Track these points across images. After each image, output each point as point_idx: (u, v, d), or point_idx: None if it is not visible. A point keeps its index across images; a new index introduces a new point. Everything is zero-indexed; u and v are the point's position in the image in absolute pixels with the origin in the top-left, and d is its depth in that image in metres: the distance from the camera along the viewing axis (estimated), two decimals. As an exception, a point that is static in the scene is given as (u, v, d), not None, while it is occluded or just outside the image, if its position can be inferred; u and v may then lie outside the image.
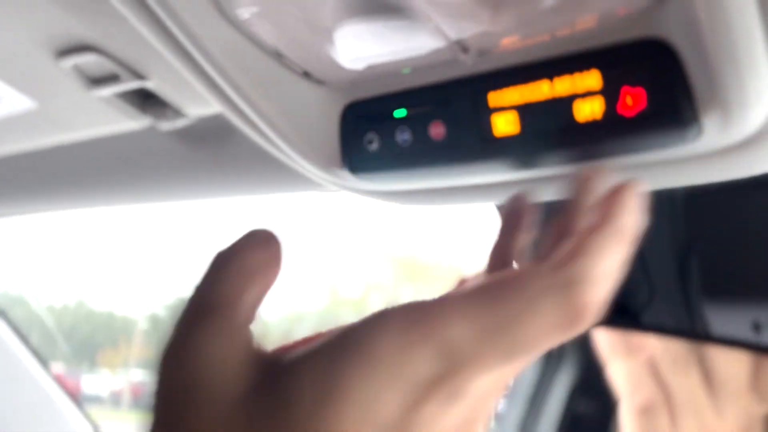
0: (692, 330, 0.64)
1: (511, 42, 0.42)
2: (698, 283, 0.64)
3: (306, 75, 0.48)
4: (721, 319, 0.63)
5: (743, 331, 0.61)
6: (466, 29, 0.41)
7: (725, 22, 0.32)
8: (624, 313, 0.70)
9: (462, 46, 0.42)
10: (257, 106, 0.47)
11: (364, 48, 0.45)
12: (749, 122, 0.37)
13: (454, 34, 0.41)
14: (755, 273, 0.62)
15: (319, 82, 0.49)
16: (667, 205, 0.62)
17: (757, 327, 0.61)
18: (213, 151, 0.74)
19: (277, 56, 0.47)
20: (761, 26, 0.32)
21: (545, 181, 0.49)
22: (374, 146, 0.49)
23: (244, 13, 0.43)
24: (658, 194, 0.65)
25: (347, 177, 0.51)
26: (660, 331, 0.65)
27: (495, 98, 0.43)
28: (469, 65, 0.44)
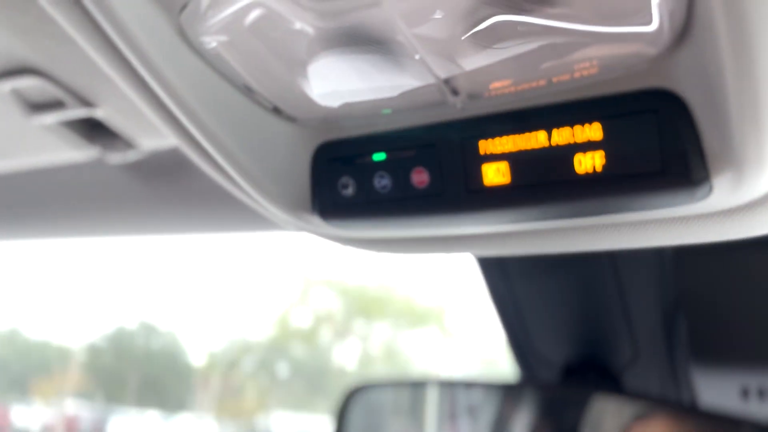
0: (677, 396, 0.61)
1: (505, 86, 0.39)
2: (685, 345, 0.62)
3: (276, 111, 0.44)
4: (707, 383, 0.61)
5: (731, 397, 0.59)
6: (457, 69, 0.37)
7: (749, 76, 0.29)
8: (604, 374, 0.67)
9: (452, 87, 0.39)
10: (219, 142, 0.42)
11: (341, 84, 0.41)
12: (763, 183, 0.34)
13: (443, 73, 0.38)
14: (745, 336, 0.60)
15: (290, 118, 0.44)
16: (656, 261, 0.60)
17: (745, 393, 0.59)
18: (166, 187, 0.68)
19: (245, 89, 0.43)
20: None
21: (535, 235, 0.45)
22: (349, 191, 0.45)
23: (210, 41, 0.38)
24: (646, 250, 0.63)
25: (317, 223, 0.47)
26: (642, 398, 0.62)
27: (486, 146, 0.40)
28: (458, 108, 0.40)
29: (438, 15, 0.33)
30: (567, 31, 0.33)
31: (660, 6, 0.30)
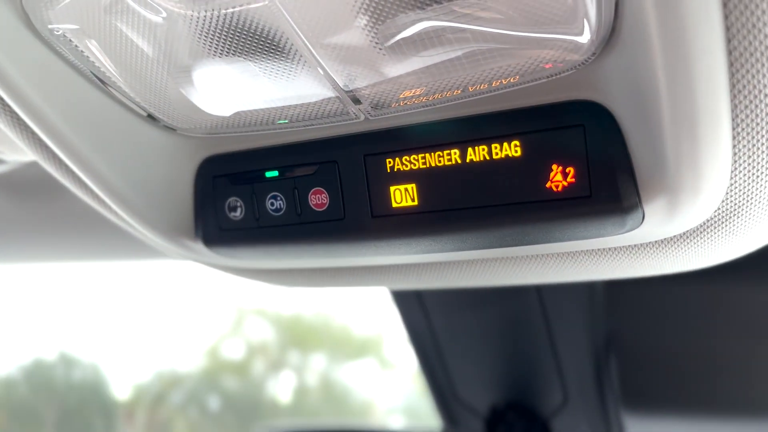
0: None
1: (416, 95, 0.33)
2: (616, 388, 0.58)
3: (151, 118, 0.37)
4: (639, 428, 0.57)
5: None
6: (359, 76, 0.32)
7: (684, 85, 0.25)
8: (532, 420, 0.62)
9: (352, 96, 0.33)
10: (77, 153, 0.35)
11: (229, 89, 0.35)
12: (701, 212, 0.30)
13: (342, 81, 0.32)
14: (679, 380, 0.56)
15: (169, 128, 0.38)
16: (586, 297, 0.56)
17: (679, 440, 0.56)
18: (38, 206, 0.60)
19: (109, 91, 0.36)
20: (728, 97, 0.25)
21: (452, 267, 0.40)
22: (237, 214, 0.38)
23: (59, 29, 0.32)
24: (575, 284, 0.59)
25: (201, 251, 0.40)
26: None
27: (394, 164, 0.34)
28: (361, 121, 0.35)
29: (330, 8, 0.28)
30: (484, 35, 0.28)
31: (586, 7, 0.26)
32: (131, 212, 0.39)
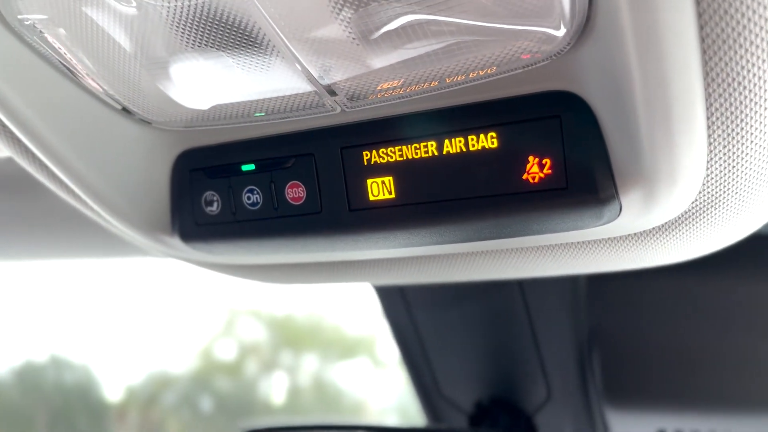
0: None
1: (391, 87, 0.33)
2: (599, 383, 0.58)
3: (126, 111, 0.37)
4: (623, 424, 0.57)
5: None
6: (334, 68, 0.31)
7: (658, 75, 0.24)
8: (517, 416, 0.62)
9: (328, 88, 0.33)
10: (48, 146, 0.35)
11: (205, 83, 0.34)
12: (678, 203, 0.30)
13: (317, 72, 0.32)
14: (661, 375, 0.56)
15: (144, 121, 0.37)
16: (569, 292, 0.56)
17: (663, 435, 0.55)
18: (17, 203, 0.59)
19: (81, 83, 0.35)
20: (702, 85, 0.25)
21: (432, 261, 0.40)
22: (214, 209, 0.38)
23: (29, 19, 0.31)
24: (557, 279, 0.59)
25: (178, 246, 0.40)
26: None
27: (371, 156, 0.34)
28: (337, 113, 0.34)
29: None
30: (459, 27, 0.28)
31: None
32: (106, 207, 0.38)
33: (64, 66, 0.34)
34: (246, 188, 0.37)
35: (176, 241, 0.39)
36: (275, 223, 0.36)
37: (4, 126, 0.36)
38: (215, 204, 0.38)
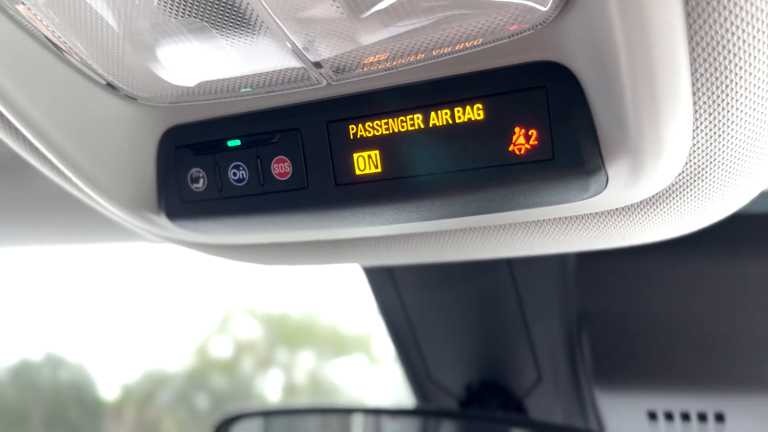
0: (583, 420, 0.57)
1: (377, 60, 0.33)
2: (589, 366, 0.57)
3: (110, 87, 0.36)
4: (613, 406, 0.57)
5: (638, 421, 0.54)
6: (318, 38, 0.31)
7: (642, 44, 0.24)
8: (507, 399, 0.62)
9: (314, 59, 0.32)
10: (31, 121, 0.35)
11: (191, 57, 0.34)
12: (664, 174, 0.30)
13: (301, 42, 0.31)
14: (650, 356, 0.56)
15: (130, 97, 0.37)
16: (558, 274, 0.56)
17: (652, 416, 0.55)
18: (3, 188, 0.59)
19: (64, 56, 0.35)
20: (686, 50, 0.25)
21: (421, 239, 0.40)
22: (200, 185, 0.37)
23: (10, -11, 0.31)
24: (546, 259, 0.59)
25: (164, 225, 0.39)
26: (546, 426, 0.57)
27: (357, 130, 0.34)
28: (323, 86, 0.34)
29: None
30: (446, 2, 0.28)
31: None
32: (91, 185, 0.38)
33: (47, 40, 0.33)
34: (232, 164, 0.36)
35: (163, 220, 0.39)
36: (261, 199, 0.36)
37: None
38: (201, 181, 0.37)
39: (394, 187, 0.33)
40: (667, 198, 0.32)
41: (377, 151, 0.33)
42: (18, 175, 0.55)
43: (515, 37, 0.29)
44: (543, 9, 0.28)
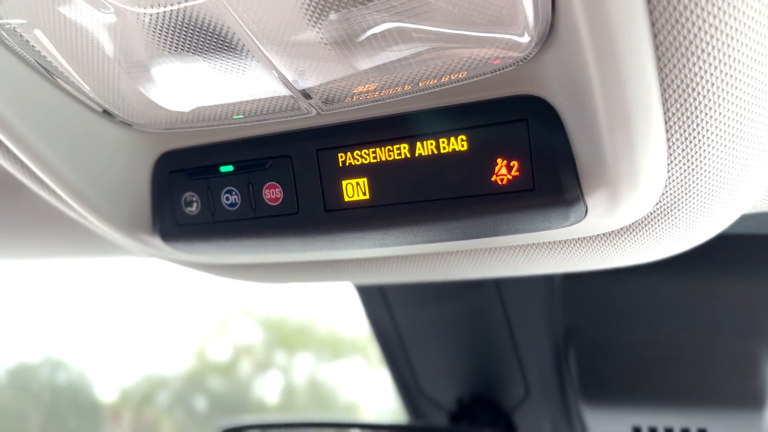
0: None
1: (366, 90, 0.34)
2: (576, 379, 0.58)
3: (106, 114, 0.37)
4: (599, 421, 0.58)
5: (623, 435, 0.56)
6: (308, 72, 0.32)
7: (616, 82, 0.25)
8: (496, 413, 0.63)
9: (304, 92, 0.33)
10: (33, 151, 0.36)
11: (184, 87, 0.35)
12: (642, 204, 0.31)
13: (292, 77, 0.32)
14: (634, 373, 0.57)
15: (125, 124, 0.38)
16: (544, 293, 0.57)
17: (637, 431, 0.56)
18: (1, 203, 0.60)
19: (63, 87, 0.36)
20: (658, 90, 0.26)
21: (409, 260, 0.41)
22: (194, 209, 0.38)
23: (7, 22, 0.32)
24: (533, 279, 0.60)
25: (159, 246, 0.40)
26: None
27: (344, 158, 0.35)
28: (313, 116, 0.35)
29: (275, 3, 0.28)
30: (427, 34, 0.29)
31: (523, 4, 0.26)
32: (89, 207, 0.39)
33: (45, 69, 0.34)
34: (224, 189, 0.37)
35: (157, 241, 0.40)
36: (253, 223, 0.37)
37: None
38: (195, 204, 0.38)
39: (381, 214, 0.34)
40: (645, 225, 0.33)
41: (365, 179, 0.34)
42: (18, 193, 0.56)
43: (498, 72, 0.30)
44: (523, 45, 0.29)
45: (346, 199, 0.35)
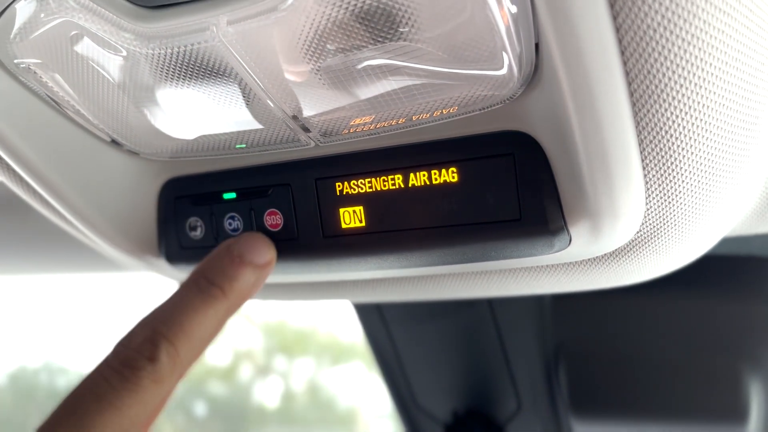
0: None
1: (362, 123, 0.36)
2: (566, 393, 0.60)
3: (114, 143, 0.39)
4: (589, 434, 0.60)
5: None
6: (306, 107, 0.34)
7: (594, 124, 0.27)
8: (489, 426, 0.65)
9: (301, 125, 0.35)
10: (42, 176, 0.37)
11: (189, 119, 0.37)
12: (622, 233, 0.33)
13: (290, 111, 0.34)
14: (623, 389, 0.59)
15: (132, 152, 0.40)
16: (535, 309, 0.59)
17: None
18: (3, 219, 0.61)
19: (73, 118, 0.38)
20: (633, 128, 0.28)
21: (404, 281, 0.42)
22: (198, 233, 0.40)
23: (23, 63, 0.34)
24: (524, 297, 0.61)
25: (164, 267, 0.42)
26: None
27: (343, 187, 0.37)
28: (312, 147, 0.37)
29: (275, 47, 0.30)
30: (417, 72, 0.31)
31: (508, 49, 0.28)
32: (97, 232, 0.41)
33: (57, 104, 0.36)
34: (228, 215, 0.39)
35: (162, 263, 0.42)
36: None
37: (1, 159, 0.38)
38: (199, 229, 0.40)
39: (376, 240, 0.36)
40: (628, 252, 0.35)
41: (361, 207, 0.36)
42: (27, 213, 0.58)
43: (487, 109, 0.32)
44: (509, 86, 0.31)
45: (344, 226, 0.37)
